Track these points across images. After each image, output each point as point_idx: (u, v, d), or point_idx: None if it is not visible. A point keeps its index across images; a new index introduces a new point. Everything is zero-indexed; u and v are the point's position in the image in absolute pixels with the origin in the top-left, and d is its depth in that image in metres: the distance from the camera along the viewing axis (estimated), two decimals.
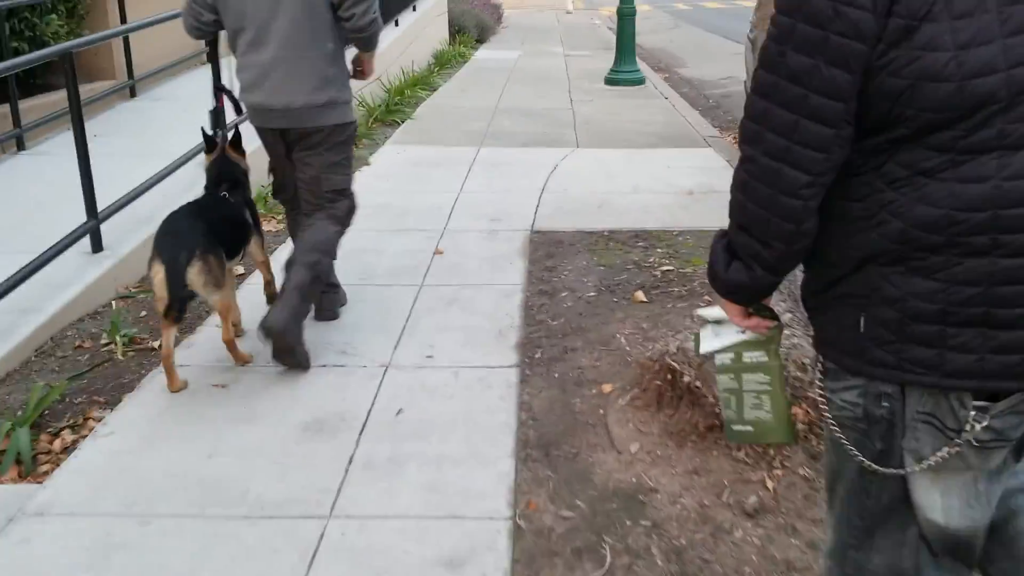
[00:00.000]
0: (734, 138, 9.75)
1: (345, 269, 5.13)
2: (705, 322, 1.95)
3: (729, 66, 17.30)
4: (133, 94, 9.16)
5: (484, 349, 4.16)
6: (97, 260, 4.93)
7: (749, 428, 1.94)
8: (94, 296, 4.73)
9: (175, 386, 3.73)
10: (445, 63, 15.32)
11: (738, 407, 1.93)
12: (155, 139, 7.30)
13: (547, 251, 5.56)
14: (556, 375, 3.89)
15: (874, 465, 1.66)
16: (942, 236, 1.45)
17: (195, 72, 10.27)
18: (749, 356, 1.88)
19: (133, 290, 5.01)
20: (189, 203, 3.89)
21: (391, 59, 12.07)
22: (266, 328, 3.70)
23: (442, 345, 4.20)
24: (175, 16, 5.95)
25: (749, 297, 1.75)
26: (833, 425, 1.71)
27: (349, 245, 5.35)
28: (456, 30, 18.46)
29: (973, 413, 1.50)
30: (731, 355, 1.90)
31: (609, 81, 13.01)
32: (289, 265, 3.90)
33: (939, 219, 1.44)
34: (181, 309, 3.61)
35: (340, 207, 4.10)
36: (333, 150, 3.99)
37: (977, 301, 1.45)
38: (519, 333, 4.33)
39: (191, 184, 5.99)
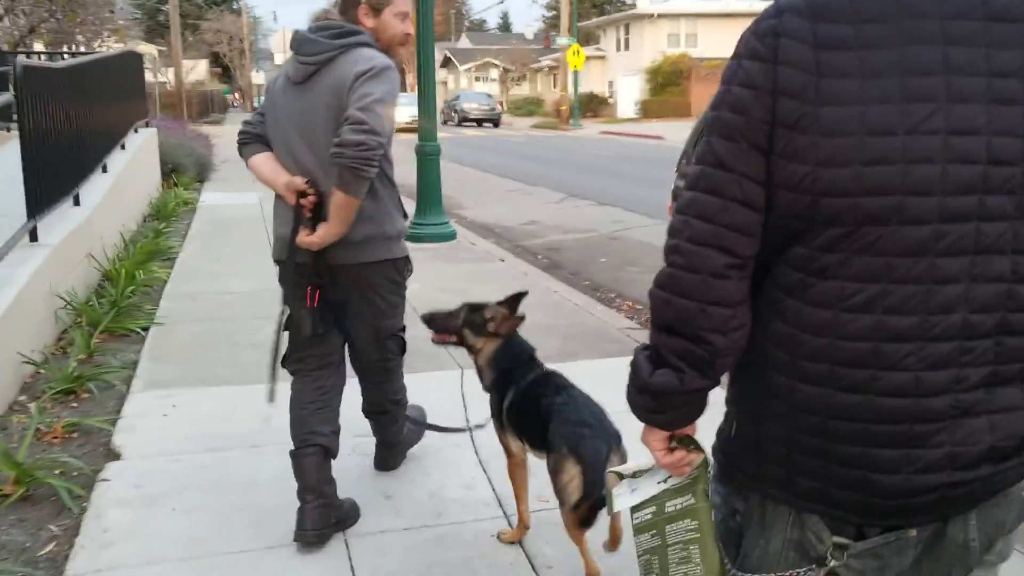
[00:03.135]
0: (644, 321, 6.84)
1: None
2: (619, 478, 1.78)
3: (517, 206, 14.71)
4: None
5: None
6: None
7: None
8: None
9: None
10: (168, 216, 11.43)
11: (662, 567, 1.68)
12: None
13: None
14: None
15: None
16: (787, 355, 1.46)
17: None
18: (673, 504, 1.68)
19: None
20: (564, 382, 3.16)
21: (106, 221, 8.12)
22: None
23: None
24: None
25: (675, 412, 1.58)
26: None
27: None
28: (170, 169, 14.54)
29: (831, 549, 1.48)
30: (652, 508, 1.71)
31: (411, 237, 9.73)
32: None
33: (787, 337, 1.45)
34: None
35: (394, 351, 3.63)
36: (388, 290, 3.46)
37: (816, 432, 1.45)
38: None
39: None
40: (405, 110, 21.75)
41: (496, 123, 44.46)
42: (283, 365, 3.50)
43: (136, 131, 12.80)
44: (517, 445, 3.22)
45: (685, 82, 44.46)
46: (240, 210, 12.45)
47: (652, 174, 18.88)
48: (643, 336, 6.36)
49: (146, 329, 6.19)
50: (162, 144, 14.40)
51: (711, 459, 1.67)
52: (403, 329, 3.65)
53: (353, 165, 3.02)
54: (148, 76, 24.94)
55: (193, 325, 6.35)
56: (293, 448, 3.38)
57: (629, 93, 48.45)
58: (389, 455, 3.93)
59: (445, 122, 43.56)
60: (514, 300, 3.32)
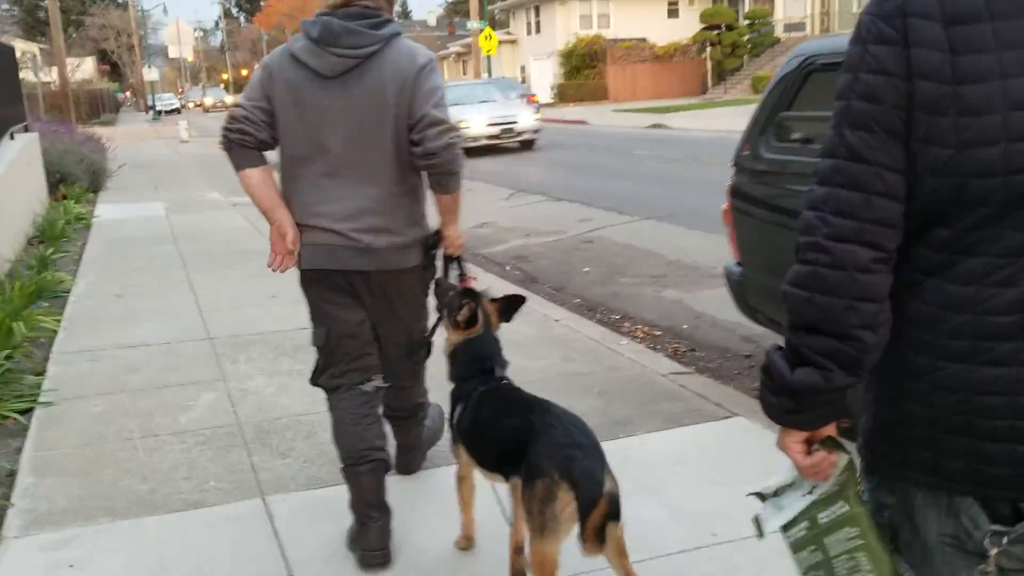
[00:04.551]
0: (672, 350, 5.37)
1: None
2: (761, 499, 1.65)
3: (462, 205, 13.12)
4: None
5: None
6: None
7: None
8: None
9: None
10: (58, 237, 9.55)
11: None
12: None
13: None
14: None
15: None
16: (928, 334, 1.41)
17: None
18: (825, 515, 1.56)
19: None
20: (539, 401, 2.83)
21: None
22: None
23: None
24: None
25: (816, 411, 1.50)
26: None
27: None
28: (58, 180, 12.57)
29: (990, 534, 1.39)
30: (806, 524, 1.59)
31: None
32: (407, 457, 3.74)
33: (927, 316, 1.41)
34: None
35: (422, 356, 3.55)
36: (423, 292, 3.39)
37: (960, 409, 1.39)
38: None
39: None
40: None
41: None
42: (315, 382, 3.34)
43: (12, 137, 10.83)
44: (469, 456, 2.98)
45: (600, 64, 43.32)
46: (143, 225, 10.66)
47: (597, 162, 17.55)
48: (697, 383, 4.91)
49: (28, 412, 4.47)
50: (47, 151, 12.43)
51: (857, 459, 1.58)
52: (431, 332, 3.52)
53: (448, 169, 3.04)
54: (29, 75, 22.60)
55: (93, 403, 4.63)
56: (349, 464, 3.21)
57: (543, 77, 47.08)
58: (411, 459, 3.86)
59: None
60: (509, 303, 3.14)
